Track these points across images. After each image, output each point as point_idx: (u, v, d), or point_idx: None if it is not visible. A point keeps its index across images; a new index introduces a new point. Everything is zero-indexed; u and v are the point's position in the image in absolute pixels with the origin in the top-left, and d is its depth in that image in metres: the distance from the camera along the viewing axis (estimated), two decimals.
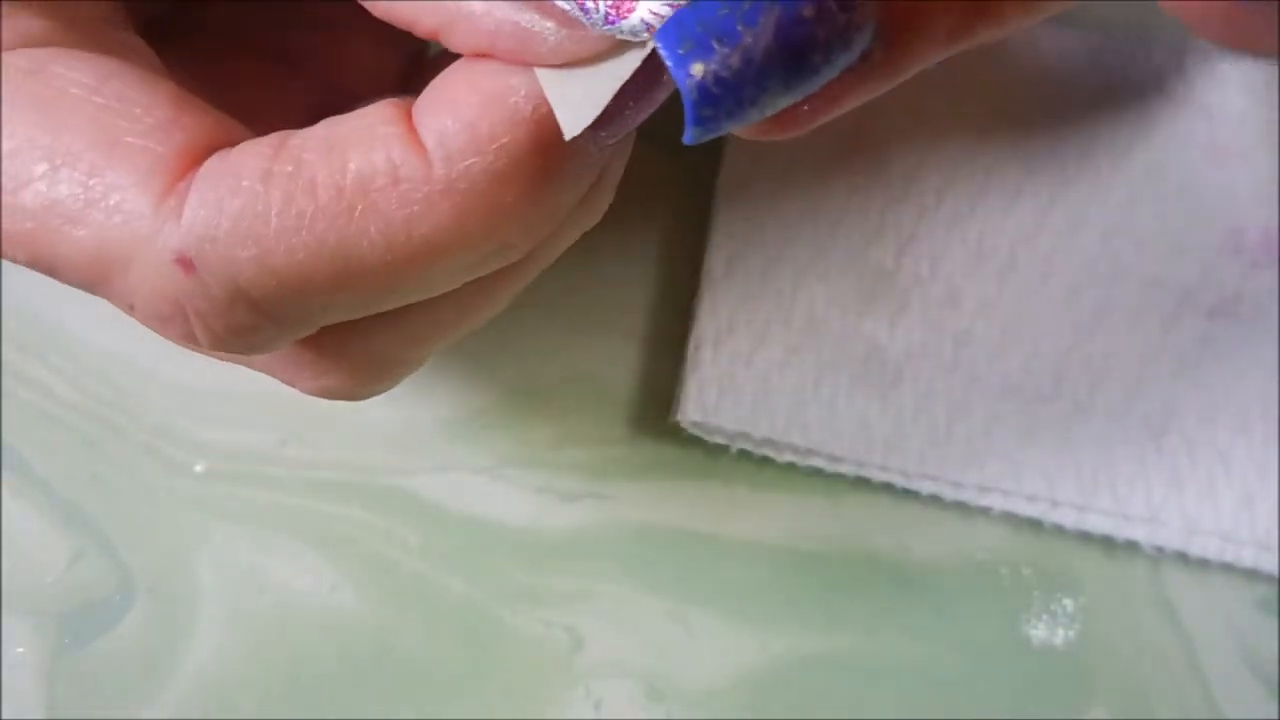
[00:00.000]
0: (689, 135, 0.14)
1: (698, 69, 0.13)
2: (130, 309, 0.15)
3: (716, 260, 0.25)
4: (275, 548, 0.25)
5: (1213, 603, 0.24)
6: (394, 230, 0.14)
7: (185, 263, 0.14)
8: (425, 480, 0.25)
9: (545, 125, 0.14)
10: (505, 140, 0.14)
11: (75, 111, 0.14)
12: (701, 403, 0.24)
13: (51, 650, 0.24)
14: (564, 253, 0.27)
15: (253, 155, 0.14)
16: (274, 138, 0.14)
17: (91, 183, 0.14)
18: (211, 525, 0.25)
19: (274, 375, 0.18)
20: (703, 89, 0.13)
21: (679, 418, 0.24)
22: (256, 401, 0.25)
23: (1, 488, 0.25)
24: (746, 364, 0.25)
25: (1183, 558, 0.24)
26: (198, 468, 0.25)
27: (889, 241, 0.26)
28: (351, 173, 0.14)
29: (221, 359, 0.18)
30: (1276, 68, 0.26)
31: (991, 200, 0.26)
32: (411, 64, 0.22)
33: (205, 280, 0.14)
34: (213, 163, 0.14)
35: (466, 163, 0.14)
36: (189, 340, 0.15)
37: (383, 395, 0.26)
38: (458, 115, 0.14)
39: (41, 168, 0.14)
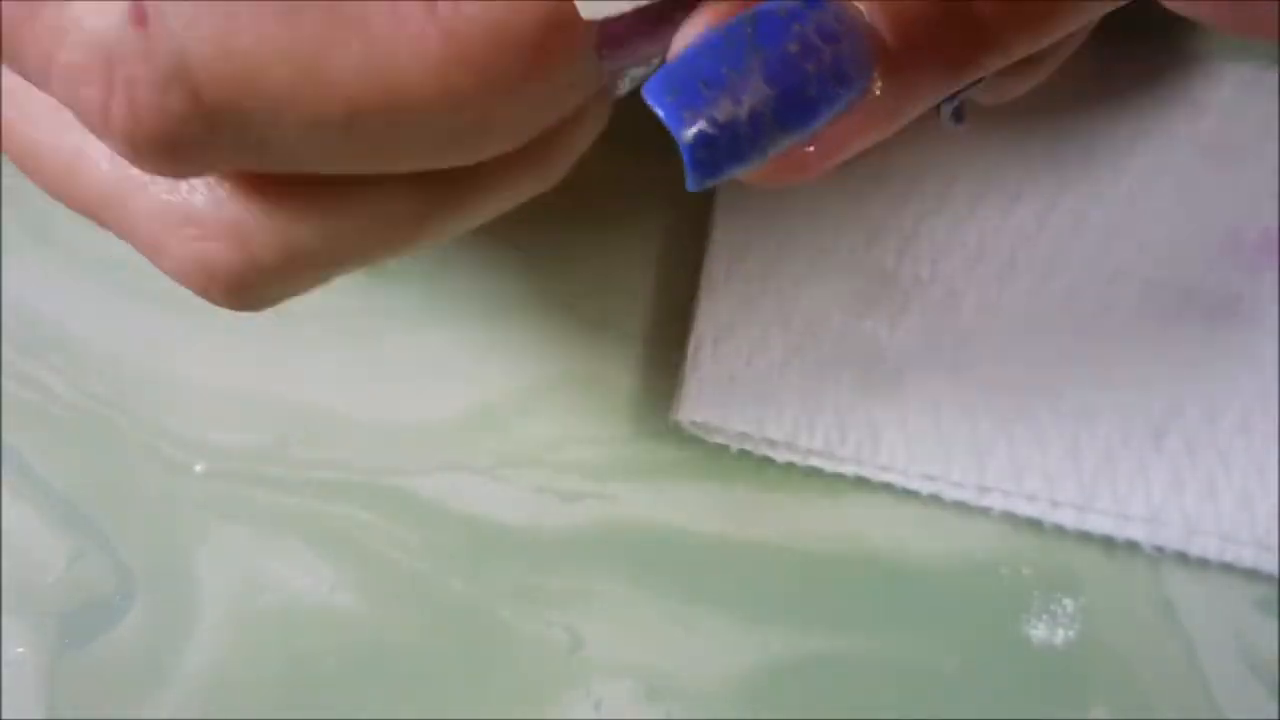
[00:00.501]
0: (691, 182, 0.13)
1: (688, 115, 0.13)
2: (45, 63, 0.13)
3: (717, 260, 0.25)
4: (275, 548, 0.25)
5: (1213, 603, 0.24)
6: (376, 52, 0.13)
7: (139, 14, 0.12)
8: (425, 480, 0.25)
9: (560, 12, 0.13)
10: (518, 7, 0.13)
11: None
12: (701, 403, 0.24)
13: (51, 650, 0.24)
14: (564, 252, 0.27)
15: None
16: None
17: None
18: (211, 525, 0.25)
19: (144, 235, 0.15)
20: (697, 135, 0.13)
21: (679, 418, 0.24)
22: (256, 401, 0.25)
23: (1, 488, 0.25)
24: (747, 364, 0.25)
25: (1183, 558, 0.24)
26: (198, 468, 0.25)
27: (889, 242, 0.26)
28: None
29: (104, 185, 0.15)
30: (1276, 68, 0.26)
31: (991, 201, 0.26)
32: None
33: (154, 41, 0.12)
34: None
35: (472, 13, 0.13)
36: (99, 117, 0.13)
37: (383, 395, 0.26)
38: None
39: None
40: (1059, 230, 0.25)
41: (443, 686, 0.24)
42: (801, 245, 0.25)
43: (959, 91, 0.20)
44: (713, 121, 0.13)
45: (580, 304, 0.26)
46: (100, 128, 0.13)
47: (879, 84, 0.14)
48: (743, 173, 0.14)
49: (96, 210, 0.15)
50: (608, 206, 0.26)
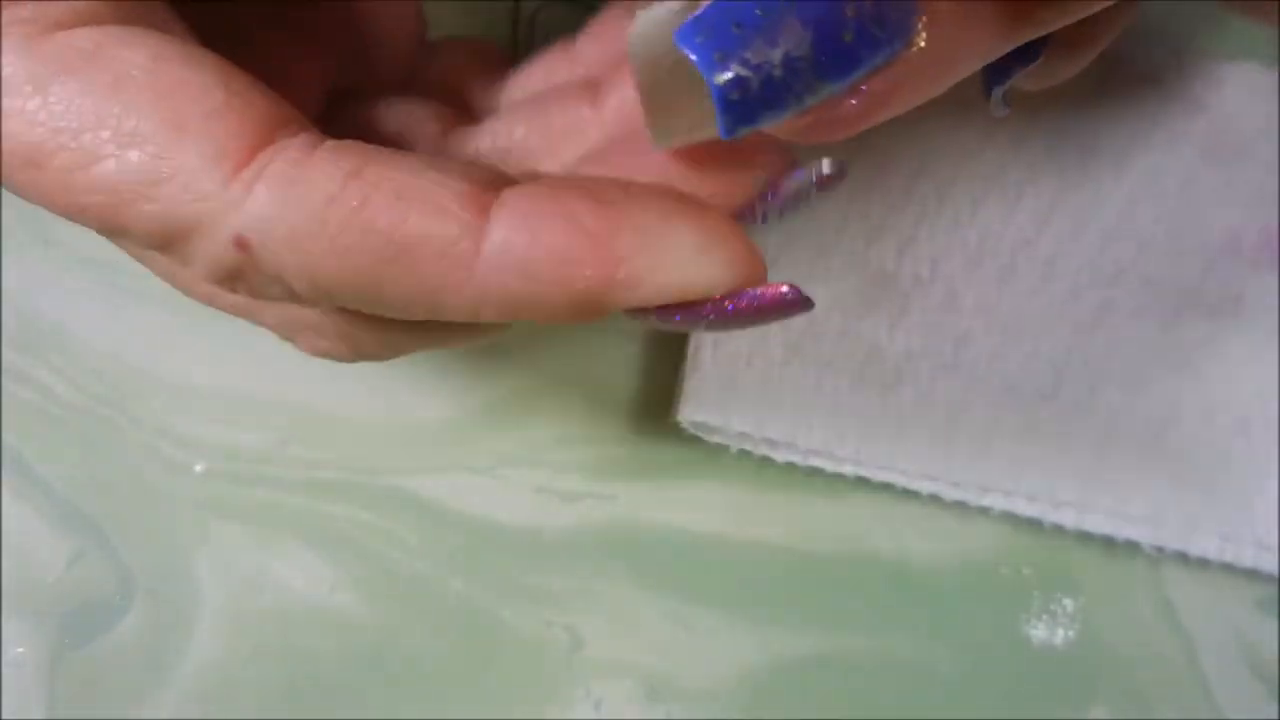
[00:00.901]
0: (722, 129, 0.13)
1: (719, 56, 0.13)
2: (182, 265, 0.17)
3: None
4: (275, 548, 0.25)
5: (1213, 603, 0.24)
6: (424, 287, 0.15)
7: (242, 244, 0.15)
8: (425, 480, 0.25)
9: (590, 298, 0.15)
10: (553, 293, 0.15)
11: (139, 94, 0.15)
12: (701, 403, 0.24)
13: (51, 650, 0.24)
14: None
15: (326, 175, 0.15)
16: (352, 158, 0.15)
17: (161, 164, 0.15)
18: (211, 525, 0.25)
19: (277, 333, 0.19)
20: (730, 79, 0.13)
21: (679, 418, 0.24)
22: (256, 401, 0.25)
23: (1, 488, 0.25)
24: (747, 364, 0.25)
25: (1183, 558, 0.24)
26: (198, 468, 0.25)
27: (889, 243, 0.26)
28: (409, 229, 0.15)
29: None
30: (1276, 67, 0.26)
31: (992, 202, 0.26)
32: (420, 45, 0.23)
33: (256, 260, 0.15)
34: (286, 165, 0.15)
35: (511, 282, 0.15)
36: (230, 291, 0.17)
37: (383, 395, 0.26)
38: (534, 243, 0.15)
39: (111, 147, 0.15)
40: (1059, 230, 0.25)
41: (443, 686, 0.24)
42: (802, 245, 0.25)
43: (1010, 69, 0.19)
44: (745, 63, 0.13)
45: None
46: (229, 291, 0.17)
47: (924, 34, 0.13)
48: (779, 123, 0.14)
49: (243, 314, 0.19)
50: None
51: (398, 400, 0.26)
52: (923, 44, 0.13)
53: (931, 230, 0.26)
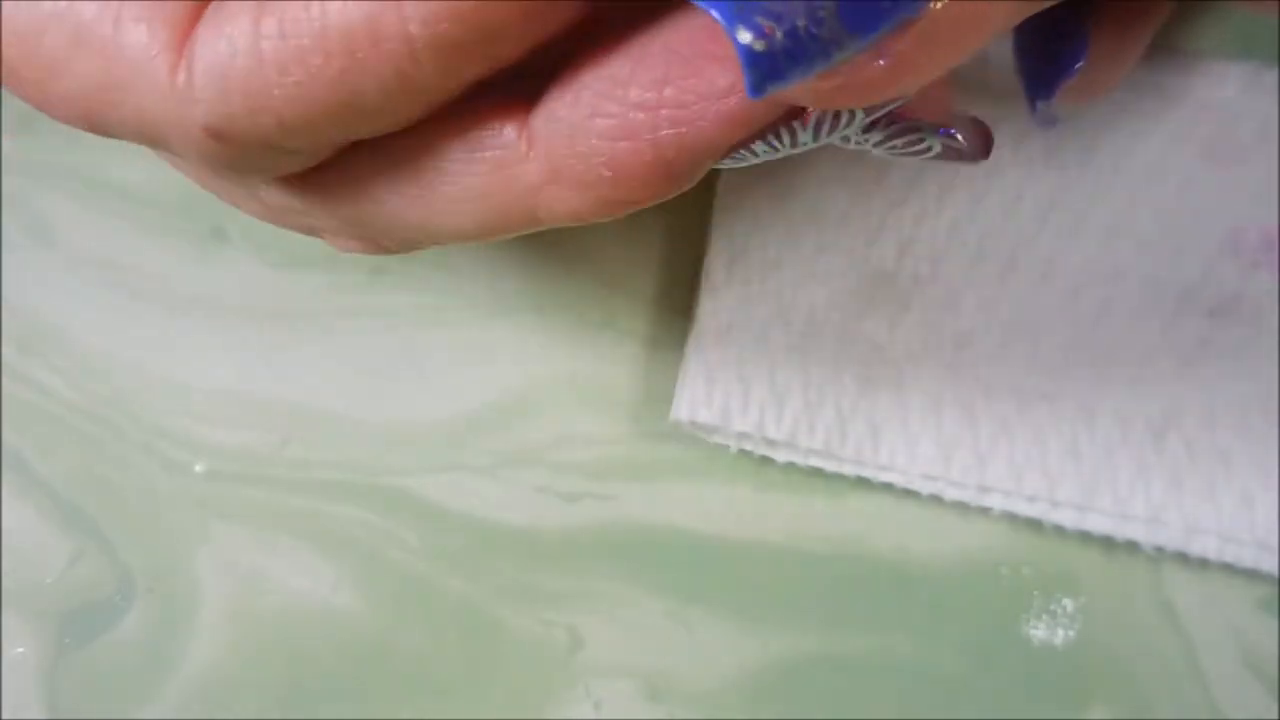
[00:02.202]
0: (749, 87, 0.13)
1: (739, 8, 0.12)
2: (181, 159, 0.16)
3: (717, 260, 0.25)
4: (276, 548, 0.25)
5: (1213, 603, 0.24)
6: (387, 70, 0.14)
7: (215, 134, 0.15)
8: (425, 480, 0.25)
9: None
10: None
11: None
12: (701, 403, 0.24)
13: (51, 650, 0.24)
14: (565, 253, 0.27)
15: (241, 20, 0.14)
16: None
17: (110, 71, 0.15)
18: (211, 525, 0.25)
19: (311, 234, 0.19)
20: (755, 32, 0.12)
21: (679, 418, 0.24)
22: (256, 401, 0.25)
23: (1, 488, 0.25)
24: (747, 364, 0.25)
25: (1183, 558, 0.24)
26: (198, 468, 0.25)
27: (889, 243, 0.26)
28: (334, 31, 0.14)
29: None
30: (1276, 67, 0.26)
31: (992, 201, 0.26)
32: None
33: (239, 142, 0.15)
34: (205, 31, 0.14)
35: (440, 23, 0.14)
36: (234, 167, 0.16)
37: (383, 395, 0.26)
38: None
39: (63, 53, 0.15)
40: (1059, 230, 0.25)
41: (442, 686, 0.24)
42: (801, 245, 0.25)
43: (1053, 82, 0.19)
44: (767, 14, 0.12)
45: (581, 304, 0.26)
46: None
47: None
48: (807, 82, 0.13)
49: (275, 219, 0.19)
50: None
51: (398, 400, 0.26)
52: (938, 6, 0.13)
53: (932, 229, 0.26)
